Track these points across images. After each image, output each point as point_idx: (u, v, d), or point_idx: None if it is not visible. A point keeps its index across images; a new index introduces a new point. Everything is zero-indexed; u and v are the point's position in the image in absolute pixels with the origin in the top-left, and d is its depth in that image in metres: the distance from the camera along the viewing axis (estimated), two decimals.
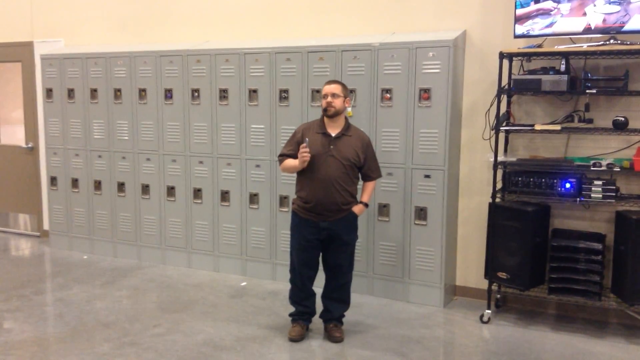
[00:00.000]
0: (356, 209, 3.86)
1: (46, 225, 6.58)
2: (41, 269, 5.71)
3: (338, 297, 3.98)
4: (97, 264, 5.70)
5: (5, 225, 7.07)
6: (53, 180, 6.18)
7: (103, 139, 5.82)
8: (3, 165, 6.91)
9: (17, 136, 6.91)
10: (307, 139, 3.76)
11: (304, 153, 3.71)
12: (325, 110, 3.80)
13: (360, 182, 3.96)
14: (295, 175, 3.95)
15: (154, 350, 3.78)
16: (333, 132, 3.82)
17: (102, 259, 5.87)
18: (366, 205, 3.92)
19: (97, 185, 5.91)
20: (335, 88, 3.81)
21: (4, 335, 4.01)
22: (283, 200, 5.00)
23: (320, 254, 3.95)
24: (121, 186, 5.79)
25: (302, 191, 3.85)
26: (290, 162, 3.86)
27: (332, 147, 3.78)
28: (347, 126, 3.87)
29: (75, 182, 6.05)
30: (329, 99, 3.78)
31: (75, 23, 6.27)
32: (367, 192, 3.94)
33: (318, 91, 4.64)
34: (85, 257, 5.95)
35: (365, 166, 3.88)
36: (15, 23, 6.59)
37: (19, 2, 6.52)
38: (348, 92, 3.92)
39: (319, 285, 4.01)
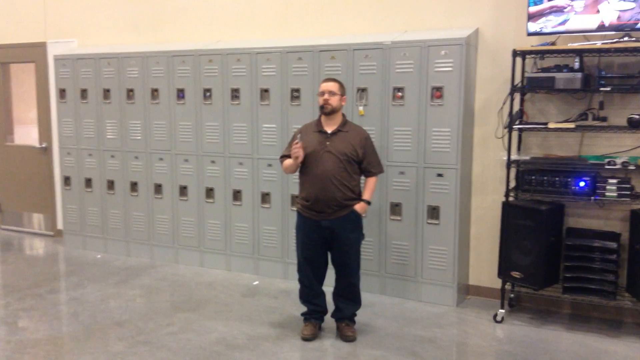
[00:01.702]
0: (358, 207, 3.85)
1: (60, 225, 6.63)
2: (55, 268, 5.76)
3: (348, 296, 3.98)
4: (110, 263, 5.73)
5: (20, 225, 7.13)
6: (67, 180, 6.23)
7: (116, 139, 5.85)
8: (17, 165, 6.97)
9: (31, 136, 6.97)
10: (299, 136, 3.80)
11: (296, 149, 3.75)
12: (322, 107, 3.83)
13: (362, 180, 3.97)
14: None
15: (167, 349, 3.80)
16: (329, 129, 3.84)
17: (115, 258, 5.91)
18: (368, 202, 3.90)
19: (110, 185, 5.95)
20: (332, 86, 3.84)
21: (19, 334, 4.05)
22: (294, 199, 4.98)
23: (328, 253, 3.96)
24: (134, 186, 5.82)
25: (303, 190, 3.88)
26: (287, 161, 3.92)
27: (328, 143, 3.79)
28: (344, 123, 3.89)
29: (88, 182, 6.08)
30: (326, 96, 3.81)
31: (88, 24, 6.31)
32: (368, 188, 3.92)
33: None
34: (98, 256, 5.99)
35: (365, 161, 3.88)
36: (29, 24, 6.64)
37: (33, 3, 6.57)
38: (345, 90, 3.95)
39: (329, 285, 4.01)
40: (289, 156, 3.90)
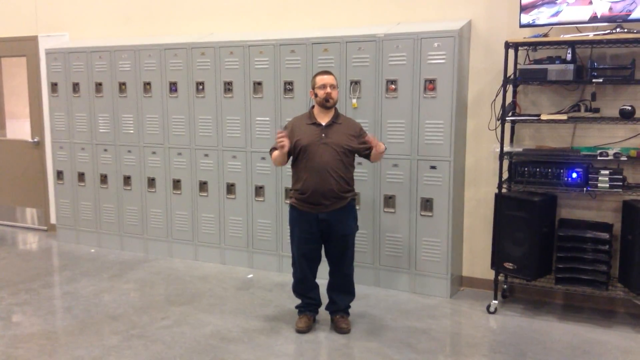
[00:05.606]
0: (380, 147, 3.75)
1: (53, 219, 6.61)
2: (49, 262, 5.74)
3: (343, 288, 3.99)
4: (104, 257, 5.72)
5: (13, 220, 7.10)
6: (59, 174, 6.21)
7: (108, 132, 5.83)
8: (10, 159, 6.94)
9: (23, 130, 6.93)
10: (282, 126, 3.75)
11: (280, 138, 3.69)
12: (326, 101, 3.79)
13: (359, 172, 4.00)
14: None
15: (161, 342, 3.80)
16: (323, 122, 3.83)
17: (109, 252, 5.90)
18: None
19: (104, 178, 5.93)
20: (333, 79, 3.84)
21: (12, 329, 4.04)
22: (289, 192, 4.99)
23: (322, 246, 3.95)
24: (127, 179, 5.80)
25: (298, 183, 3.84)
26: (275, 152, 3.86)
27: (323, 135, 3.78)
28: (337, 115, 3.89)
29: (81, 176, 6.06)
30: (328, 89, 3.78)
31: (79, 17, 6.27)
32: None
33: None
34: (92, 250, 5.98)
35: (366, 145, 3.83)
36: (20, 17, 6.59)
37: None
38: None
39: (321, 277, 4.02)
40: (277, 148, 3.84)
